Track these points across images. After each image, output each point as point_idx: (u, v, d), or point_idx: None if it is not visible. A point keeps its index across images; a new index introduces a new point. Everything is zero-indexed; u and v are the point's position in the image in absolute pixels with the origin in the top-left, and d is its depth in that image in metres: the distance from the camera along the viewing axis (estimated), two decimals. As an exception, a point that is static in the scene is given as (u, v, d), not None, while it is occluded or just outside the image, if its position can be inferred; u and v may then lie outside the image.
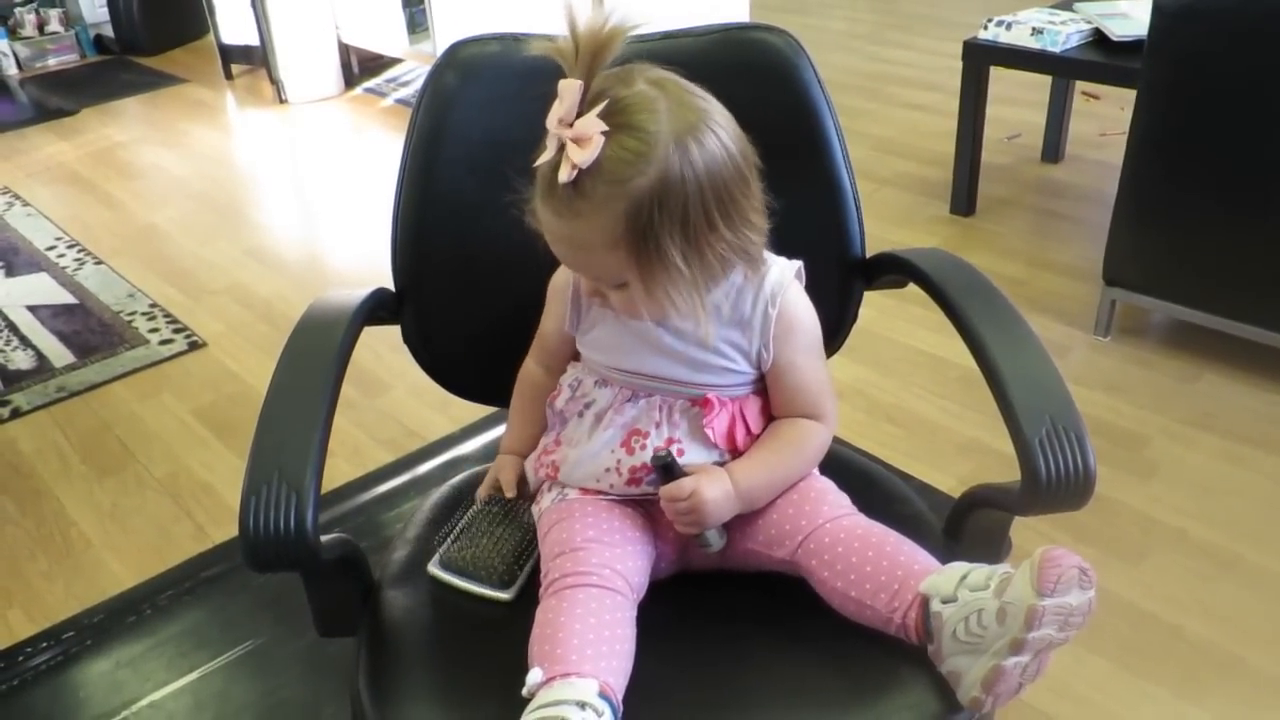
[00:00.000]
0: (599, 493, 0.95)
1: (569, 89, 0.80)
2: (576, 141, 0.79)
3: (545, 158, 0.82)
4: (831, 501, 0.94)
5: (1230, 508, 1.79)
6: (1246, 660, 1.51)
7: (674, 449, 0.92)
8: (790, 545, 0.91)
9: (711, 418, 0.93)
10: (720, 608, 0.95)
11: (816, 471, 0.99)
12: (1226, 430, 1.97)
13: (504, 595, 0.95)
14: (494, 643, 0.92)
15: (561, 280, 1.00)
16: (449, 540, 1.01)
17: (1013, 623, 0.76)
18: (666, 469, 0.89)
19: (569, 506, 0.95)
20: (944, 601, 0.81)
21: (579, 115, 0.79)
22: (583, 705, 0.77)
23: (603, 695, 0.78)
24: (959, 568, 0.83)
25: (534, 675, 0.80)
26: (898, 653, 0.86)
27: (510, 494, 1.04)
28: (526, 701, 0.79)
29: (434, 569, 0.99)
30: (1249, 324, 2.06)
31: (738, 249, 0.86)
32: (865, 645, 0.87)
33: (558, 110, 0.80)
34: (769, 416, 0.97)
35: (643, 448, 0.93)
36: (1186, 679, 1.48)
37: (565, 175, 0.79)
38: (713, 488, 0.89)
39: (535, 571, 0.94)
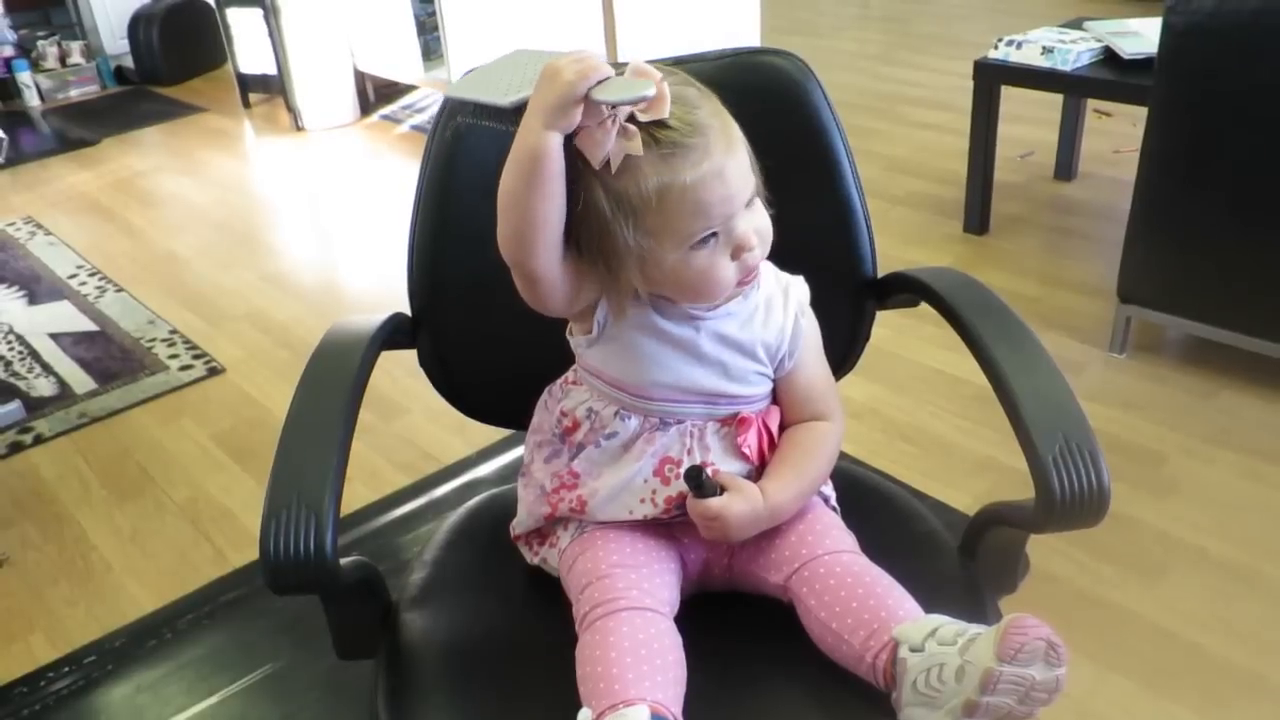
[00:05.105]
0: (622, 521, 0.94)
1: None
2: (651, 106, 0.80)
3: (630, 145, 0.80)
4: (835, 536, 0.94)
5: (1250, 524, 1.78)
6: (1268, 677, 1.49)
7: (709, 470, 0.91)
8: (786, 570, 0.91)
9: (746, 434, 0.94)
10: (736, 628, 0.95)
11: (824, 504, 0.99)
12: (1245, 446, 1.96)
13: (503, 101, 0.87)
14: (513, 665, 0.93)
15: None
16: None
17: (969, 683, 0.75)
18: (698, 485, 0.89)
19: (590, 538, 0.94)
20: (912, 650, 0.80)
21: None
22: None
23: (656, 716, 0.77)
24: (934, 620, 0.82)
25: (583, 716, 0.79)
26: (873, 694, 0.84)
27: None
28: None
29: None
30: (1265, 339, 2.05)
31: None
32: (847, 683, 0.86)
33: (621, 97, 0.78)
34: (781, 426, 0.98)
35: (676, 476, 0.92)
36: (1208, 697, 1.47)
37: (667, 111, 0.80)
38: (741, 505, 0.89)
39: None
